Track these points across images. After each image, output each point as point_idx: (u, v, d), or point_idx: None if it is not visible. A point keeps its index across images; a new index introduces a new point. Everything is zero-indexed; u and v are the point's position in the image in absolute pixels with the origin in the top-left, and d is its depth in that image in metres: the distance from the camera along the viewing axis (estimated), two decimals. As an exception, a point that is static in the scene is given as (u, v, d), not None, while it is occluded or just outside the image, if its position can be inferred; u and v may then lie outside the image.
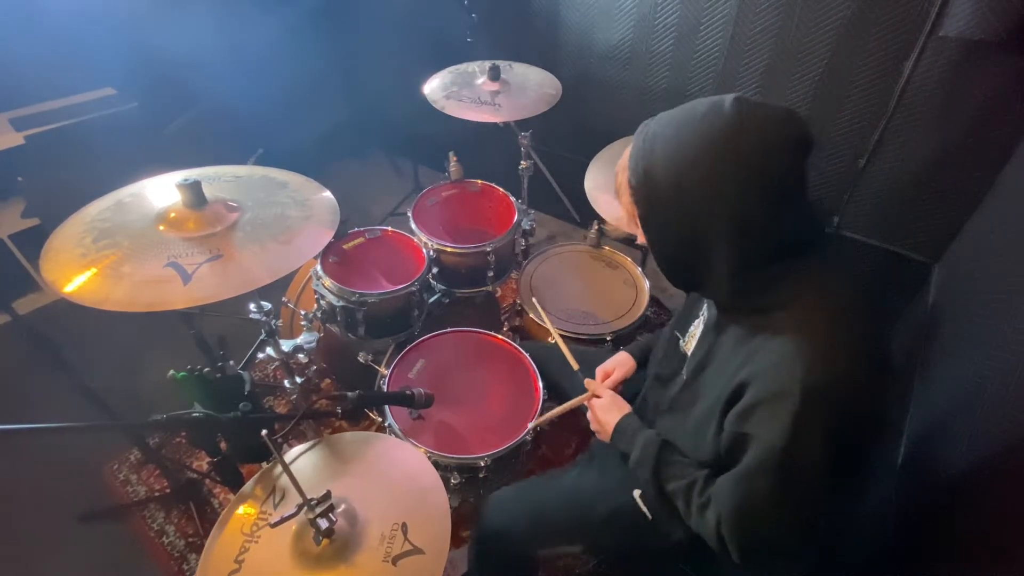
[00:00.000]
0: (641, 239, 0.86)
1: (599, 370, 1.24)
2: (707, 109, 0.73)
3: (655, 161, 0.75)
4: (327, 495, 0.84)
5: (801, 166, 0.74)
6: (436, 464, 1.16)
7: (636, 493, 1.07)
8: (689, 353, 0.98)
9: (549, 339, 1.61)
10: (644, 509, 1.05)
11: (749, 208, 0.71)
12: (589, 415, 1.13)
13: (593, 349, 1.54)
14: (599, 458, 1.20)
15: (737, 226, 0.72)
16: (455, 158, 1.95)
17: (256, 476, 0.98)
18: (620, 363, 1.24)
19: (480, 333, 1.52)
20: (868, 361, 0.74)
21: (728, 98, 0.73)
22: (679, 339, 1.03)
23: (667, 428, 0.99)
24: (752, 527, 0.79)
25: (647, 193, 0.77)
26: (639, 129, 0.81)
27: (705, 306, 0.98)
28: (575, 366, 1.28)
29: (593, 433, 1.20)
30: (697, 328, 0.99)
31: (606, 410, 1.09)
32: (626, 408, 1.09)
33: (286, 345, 1.45)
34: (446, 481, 1.18)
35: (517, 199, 1.88)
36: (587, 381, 1.19)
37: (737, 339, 0.84)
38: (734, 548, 0.81)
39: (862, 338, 0.75)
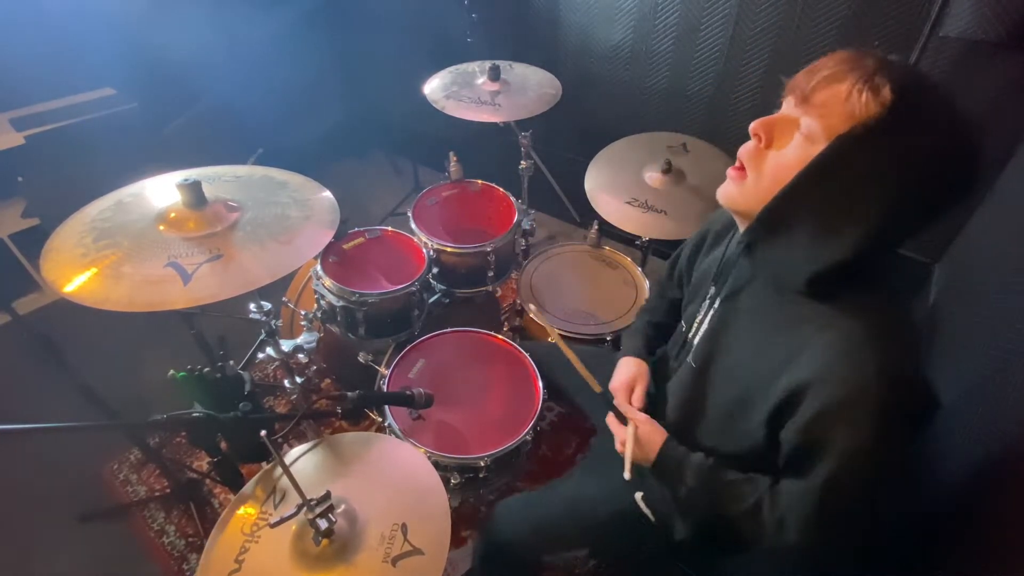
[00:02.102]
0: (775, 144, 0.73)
1: (621, 389, 1.09)
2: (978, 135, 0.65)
3: (930, 101, 0.65)
4: (327, 495, 0.84)
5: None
6: (436, 464, 1.16)
7: (638, 496, 1.06)
8: (696, 339, 0.94)
9: (549, 338, 1.62)
10: (647, 511, 1.05)
11: (921, 216, 0.68)
12: (625, 444, 0.98)
13: (593, 349, 1.54)
14: (600, 461, 1.20)
15: (902, 227, 0.69)
16: (455, 158, 1.95)
17: (256, 476, 0.98)
18: (639, 375, 1.11)
19: (480, 333, 1.52)
20: (921, 356, 0.74)
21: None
22: (682, 325, 1.02)
23: (681, 418, 0.97)
24: (843, 530, 0.78)
25: (893, 123, 0.63)
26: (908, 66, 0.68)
27: (713, 289, 0.93)
28: (597, 388, 1.10)
29: (593, 434, 1.20)
30: (702, 312, 0.95)
31: (649, 439, 0.97)
32: (664, 433, 0.98)
33: (286, 345, 1.45)
34: (446, 481, 1.18)
35: (517, 199, 1.88)
36: (624, 408, 1.04)
37: (763, 328, 0.80)
38: (822, 551, 0.81)
39: (917, 335, 0.75)
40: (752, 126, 0.75)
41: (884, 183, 0.65)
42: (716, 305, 0.91)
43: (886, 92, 0.63)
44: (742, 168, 0.77)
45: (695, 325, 0.97)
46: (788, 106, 0.75)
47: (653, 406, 1.06)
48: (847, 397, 0.68)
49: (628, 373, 1.12)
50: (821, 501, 0.74)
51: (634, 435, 0.97)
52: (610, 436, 1.22)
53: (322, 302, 1.60)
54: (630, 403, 1.05)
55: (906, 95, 0.63)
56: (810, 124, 0.69)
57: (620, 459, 1.12)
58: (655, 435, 0.97)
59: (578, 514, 1.11)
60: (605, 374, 1.34)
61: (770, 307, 0.80)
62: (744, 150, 0.77)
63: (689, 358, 0.95)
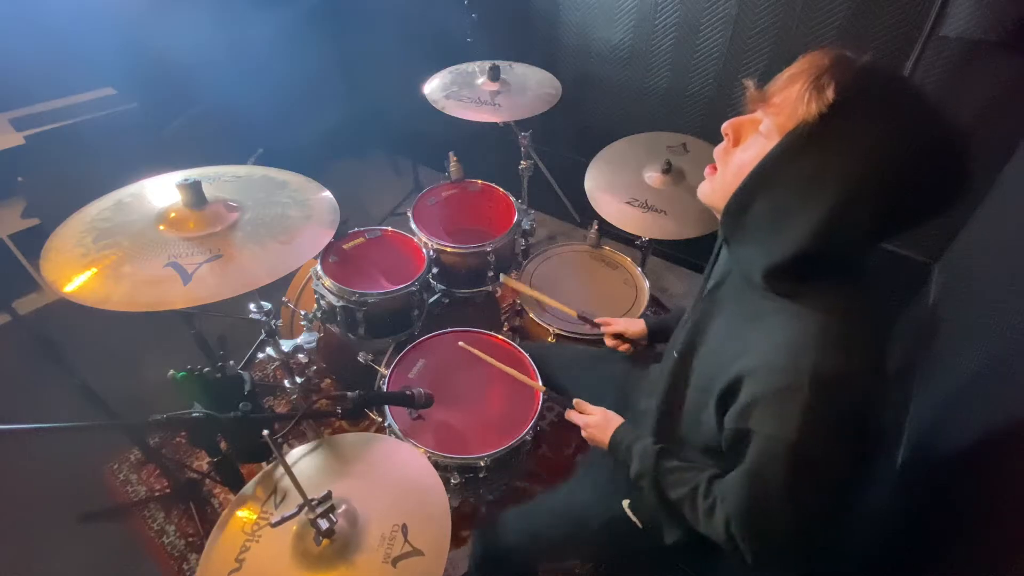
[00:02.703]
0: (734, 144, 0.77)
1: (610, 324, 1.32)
2: (939, 108, 0.65)
3: (870, 104, 0.65)
4: (328, 495, 0.84)
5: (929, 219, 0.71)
6: (436, 464, 1.16)
7: (625, 504, 1.07)
8: (682, 331, 0.96)
9: (549, 339, 1.62)
10: (634, 519, 1.06)
11: (879, 215, 0.67)
12: (584, 432, 1.12)
13: (594, 349, 1.54)
14: (592, 469, 1.21)
15: (855, 221, 0.67)
16: (455, 158, 1.95)
17: (257, 477, 0.99)
18: (629, 321, 1.23)
19: (480, 333, 1.52)
20: (876, 366, 0.72)
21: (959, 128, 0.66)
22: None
23: (664, 408, 0.98)
24: (764, 526, 0.77)
25: (836, 121, 0.65)
26: (864, 62, 0.67)
27: (703, 283, 0.96)
28: (538, 388, 1.30)
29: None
30: (692, 304, 0.98)
31: (600, 428, 1.08)
32: (617, 420, 1.08)
33: (286, 345, 1.45)
34: (446, 481, 1.18)
35: (517, 199, 1.88)
36: (576, 401, 1.17)
37: (735, 320, 0.81)
38: (746, 549, 0.79)
39: (875, 344, 0.73)
40: (723, 126, 0.79)
41: (827, 181, 0.67)
42: (703, 297, 0.93)
43: (829, 92, 0.64)
44: (715, 167, 0.81)
45: (685, 316, 1.00)
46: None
47: (648, 396, 1.08)
48: (779, 387, 0.70)
49: (624, 320, 1.30)
50: (744, 490, 0.76)
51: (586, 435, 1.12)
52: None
53: (322, 302, 1.60)
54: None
55: (848, 95, 0.64)
56: (767, 123, 0.72)
57: (608, 467, 1.14)
58: (608, 424, 1.07)
59: (570, 524, 1.12)
60: (603, 375, 1.34)
61: (742, 300, 0.82)
62: (716, 149, 0.81)
63: (675, 349, 0.96)
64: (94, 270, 0.96)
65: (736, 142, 0.78)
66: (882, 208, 0.67)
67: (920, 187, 0.67)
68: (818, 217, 0.67)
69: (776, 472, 0.72)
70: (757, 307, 0.78)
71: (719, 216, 0.80)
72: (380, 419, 1.51)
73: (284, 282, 1.79)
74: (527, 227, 1.88)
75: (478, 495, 1.36)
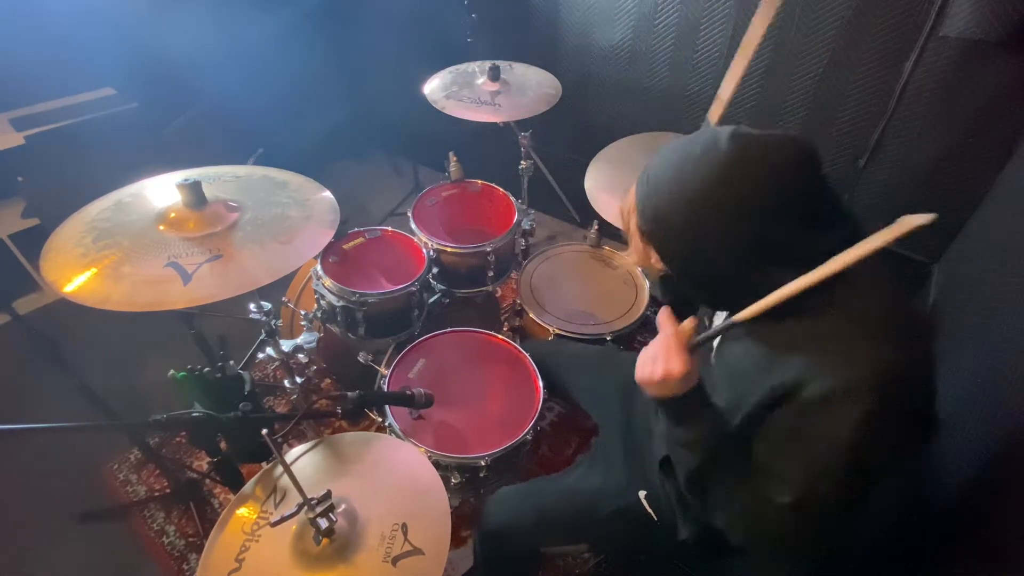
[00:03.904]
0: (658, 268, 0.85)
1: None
2: (704, 147, 0.73)
3: (661, 202, 0.75)
4: (327, 495, 0.84)
5: (812, 183, 0.72)
6: (436, 464, 1.16)
7: (642, 494, 1.07)
8: (712, 359, 0.94)
9: (549, 338, 1.62)
10: (650, 510, 1.05)
11: (764, 234, 0.70)
12: (653, 352, 0.84)
13: (593, 348, 1.54)
14: (603, 459, 1.21)
15: (758, 251, 0.72)
16: (455, 158, 1.95)
17: (256, 476, 0.99)
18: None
19: (480, 333, 1.52)
20: (926, 349, 0.71)
21: (724, 132, 0.72)
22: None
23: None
24: (812, 531, 0.75)
25: (661, 234, 0.77)
26: (640, 175, 0.82)
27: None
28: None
29: (594, 434, 1.20)
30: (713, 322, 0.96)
31: (685, 370, 0.82)
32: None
33: (286, 345, 1.45)
34: (446, 481, 1.18)
35: (517, 199, 1.88)
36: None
37: (754, 346, 0.79)
38: (780, 550, 0.79)
39: (916, 327, 0.72)
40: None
41: (696, 246, 0.75)
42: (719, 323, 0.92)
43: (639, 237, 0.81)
44: None
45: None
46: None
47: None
48: (840, 386, 0.66)
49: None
50: (796, 494, 0.72)
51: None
52: (613, 434, 1.22)
53: (322, 302, 1.60)
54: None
55: (653, 231, 0.78)
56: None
57: (624, 457, 1.13)
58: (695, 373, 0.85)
59: (579, 506, 1.11)
60: (605, 374, 1.34)
61: (761, 329, 0.79)
62: None
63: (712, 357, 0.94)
64: (94, 270, 0.96)
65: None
66: (743, 218, 0.70)
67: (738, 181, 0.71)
68: (738, 261, 0.73)
69: (831, 478, 0.69)
70: (777, 331, 0.75)
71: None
72: (380, 419, 1.51)
73: (284, 282, 1.79)
74: (527, 227, 1.88)
75: (478, 495, 1.36)
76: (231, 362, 1.10)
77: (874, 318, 0.69)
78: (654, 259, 0.83)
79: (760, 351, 0.78)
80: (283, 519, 0.83)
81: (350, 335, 1.60)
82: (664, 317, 0.86)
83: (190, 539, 1.65)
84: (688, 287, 0.82)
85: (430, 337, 1.50)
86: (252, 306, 1.31)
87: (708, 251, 0.74)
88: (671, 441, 0.87)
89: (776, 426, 0.74)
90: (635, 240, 0.84)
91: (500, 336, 1.50)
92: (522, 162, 2.09)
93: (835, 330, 0.70)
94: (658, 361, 0.80)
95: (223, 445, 1.01)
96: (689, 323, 0.83)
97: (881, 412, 0.65)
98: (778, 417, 0.73)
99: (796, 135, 0.72)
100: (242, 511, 0.93)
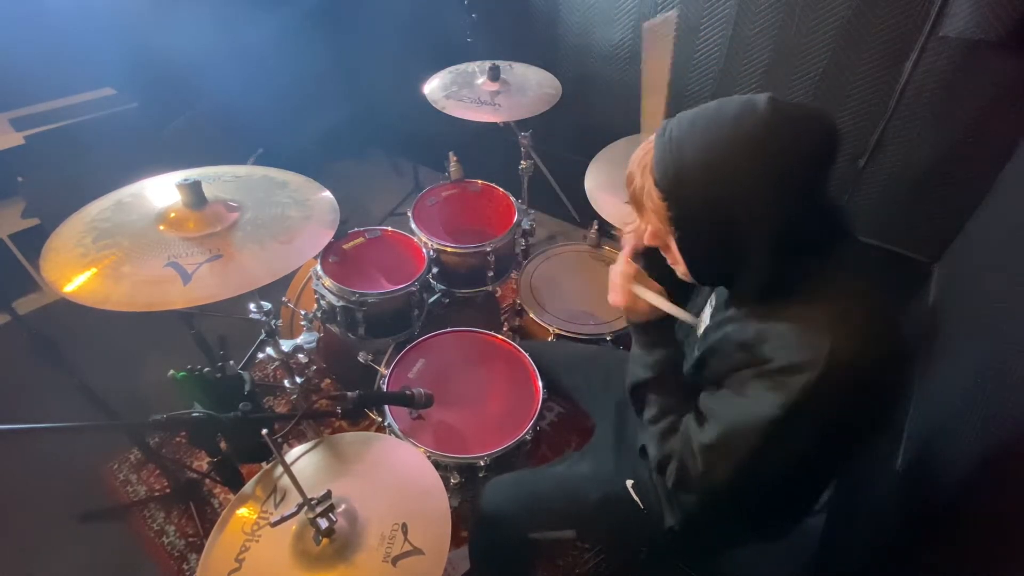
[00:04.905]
0: (654, 241, 0.85)
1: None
2: (739, 110, 0.71)
3: (685, 164, 0.73)
4: (327, 495, 0.84)
5: (830, 165, 0.73)
6: (436, 464, 1.16)
7: (629, 483, 1.08)
8: (699, 337, 0.97)
9: (549, 338, 1.62)
10: (636, 499, 1.06)
11: (786, 207, 0.70)
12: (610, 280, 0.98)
13: (594, 348, 1.54)
14: (594, 450, 1.22)
15: (774, 224, 0.71)
16: (455, 158, 1.95)
17: (256, 476, 0.99)
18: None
19: (480, 333, 1.52)
20: (894, 345, 0.74)
21: (761, 98, 0.71)
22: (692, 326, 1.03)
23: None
24: (722, 476, 0.81)
25: (680, 195, 0.75)
26: (658, 134, 0.78)
27: (713, 294, 0.98)
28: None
29: (592, 433, 1.20)
30: (706, 314, 0.99)
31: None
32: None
33: (286, 345, 1.45)
34: (446, 481, 1.18)
35: (517, 199, 1.88)
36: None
37: (747, 325, 0.82)
38: (673, 486, 0.87)
39: (892, 324, 0.75)
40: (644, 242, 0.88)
41: (724, 216, 0.73)
42: (716, 308, 0.95)
43: (656, 194, 0.77)
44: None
45: (700, 323, 1.00)
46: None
47: None
48: (790, 361, 0.72)
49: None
50: (708, 439, 0.80)
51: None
52: (608, 428, 1.23)
53: (322, 302, 1.60)
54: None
55: (672, 192, 0.75)
56: (651, 230, 0.84)
57: (615, 449, 1.15)
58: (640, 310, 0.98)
59: (568, 492, 1.13)
60: (604, 374, 1.34)
61: (754, 310, 0.83)
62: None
63: (693, 355, 0.97)
64: (94, 270, 0.96)
65: (663, 248, 0.87)
66: (774, 188, 0.70)
67: (781, 153, 0.70)
68: (758, 234, 0.72)
69: (750, 433, 0.76)
70: (766, 310, 0.79)
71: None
72: (380, 419, 1.51)
73: (284, 282, 1.79)
74: (527, 227, 1.88)
75: (478, 495, 1.36)
76: (231, 362, 1.10)
77: (856, 311, 0.73)
78: (662, 224, 0.80)
79: (745, 335, 0.80)
80: (283, 519, 0.83)
81: (350, 335, 1.60)
82: (624, 253, 0.99)
83: (190, 539, 1.65)
84: (694, 258, 0.81)
85: (430, 337, 1.50)
86: (252, 306, 1.31)
87: (723, 218, 0.72)
88: (631, 357, 0.97)
89: (730, 380, 0.81)
90: (648, 201, 0.80)
91: (500, 336, 1.50)
92: (522, 162, 2.09)
93: (816, 315, 0.73)
94: (610, 290, 0.96)
95: (223, 445, 1.01)
96: (630, 266, 0.95)
97: (821, 387, 0.69)
98: (736, 377, 0.80)
99: (827, 112, 0.72)
100: (242, 511, 0.93)
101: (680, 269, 0.86)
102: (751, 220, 0.71)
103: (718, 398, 0.83)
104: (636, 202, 0.83)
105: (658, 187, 0.76)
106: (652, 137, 0.79)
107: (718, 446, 0.79)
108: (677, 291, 0.95)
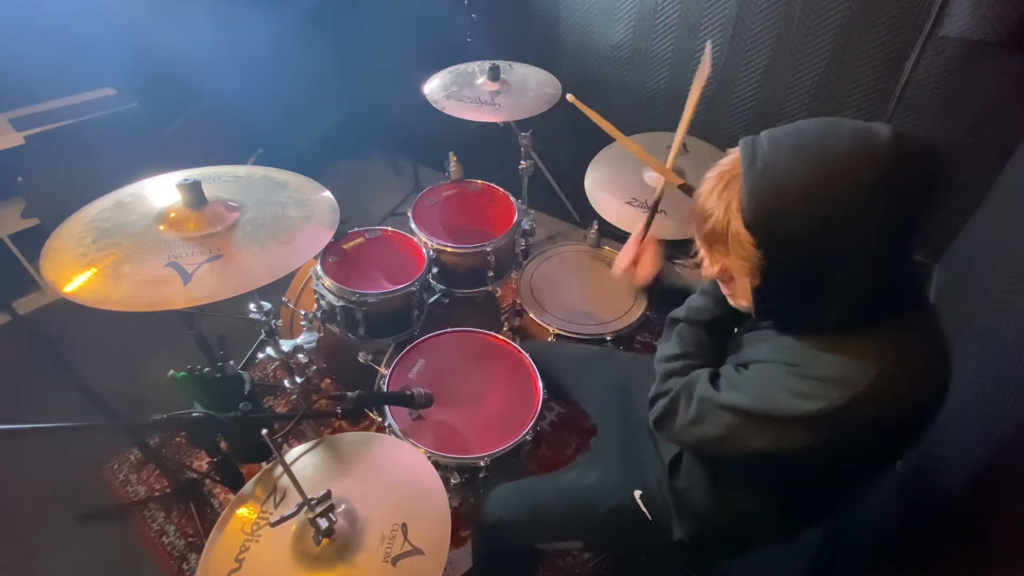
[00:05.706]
0: (724, 278, 0.80)
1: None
2: (855, 144, 0.63)
3: (785, 204, 0.64)
4: (327, 495, 0.84)
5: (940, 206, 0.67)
6: (436, 464, 1.16)
7: (637, 494, 1.07)
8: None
9: (549, 338, 1.62)
10: (645, 510, 1.05)
11: (889, 251, 0.65)
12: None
13: (594, 348, 1.54)
14: (600, 458, 1.21)
15: (873, 269, 0.65)
16: (455, 158, 1.95)
17: (256, 476, 0.99)
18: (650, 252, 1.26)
19: (480, 333, 1.52)
20: (940, 390, 0.71)
21: (883, 130, 0.63)
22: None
23: None
24: (691, 430, 0.81)
25: (775, 238, 0.66)
26: (746, 161, 0.68)
27: None
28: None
29: (593, 434, 1.20)
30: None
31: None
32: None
33: (286, 345, 1.45)
34: (446, 481, 1.18)
35: (517, 199, 1.88)
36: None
37: (795, 349, 0.77)
38: (658, 429, 0.88)
39: (945, 367, 0.71)
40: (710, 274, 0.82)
41: (815, 252, 0.66)
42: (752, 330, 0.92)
43: (737, 223, 0.69)
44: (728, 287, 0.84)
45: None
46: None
47: None
48: (831, 375, 0.68)
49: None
50: (710, 415, 0.79)
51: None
52: (611, 434, 1.23)
53: (322, 302, 1.60)
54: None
55: (768, 234, 0.67)
56: (724, 263, 0.76)
57: (621, 457, 1.14)
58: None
59: (575, 504, 1.12)
60: (604, 374, 1.34)
61: (802, 336, 0.79)
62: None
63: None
64: (94, 270, 0.96)
65: (727, 281, 0.81)
66: (885, 234, 0.64)
67: (882, 190, 0.63)
68: (851, 278, 0.66)
69: (746, 436, 0.75)
70: (819, 339, 0.73)
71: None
72: (380, 419, 1.51)
73: (284, 282, 1.79)
74: (527, 227, 1.88)
75: (478, 495, 1.36)
76: (231, 362, 1.11)
77: (916, 351, 0.69)
78: (742, 261, 0.71)
79: (783, 355, 0.75)
80: (283, 519, 0.83)
81: (350, 335, 1.60)
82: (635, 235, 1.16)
83: (190, 539, 1.65)
84: (771, 298, 0.74)
85: (430, 337, 1.50)
86: (252, 306, 1.31)
87: (823, 258, 0.65)
88: (688, 300, 0.98)
89: (759, 367, 0.77)
90: (734, 242, 0.70)
91: (500, 336, 1.50)
92: (522, 162, 2.09)
93: (868, 347, 0.68)
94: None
95: (223, 445, 1.02)
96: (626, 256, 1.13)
97: (852, 407, 0.66)
98: (768, 367, 0.76)
99: (939, 144, 0.69)
100: (242, 511, 0.93)
101: (742, 304, 0.80)
102: (849, 264, 0.65)
103: (744, 375, 0.78)
104: (713, 239, 0.73)
105: (749, 230, 0.67)
106: (726, 161, 0.72)
107: (717, 410, 0.77)
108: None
